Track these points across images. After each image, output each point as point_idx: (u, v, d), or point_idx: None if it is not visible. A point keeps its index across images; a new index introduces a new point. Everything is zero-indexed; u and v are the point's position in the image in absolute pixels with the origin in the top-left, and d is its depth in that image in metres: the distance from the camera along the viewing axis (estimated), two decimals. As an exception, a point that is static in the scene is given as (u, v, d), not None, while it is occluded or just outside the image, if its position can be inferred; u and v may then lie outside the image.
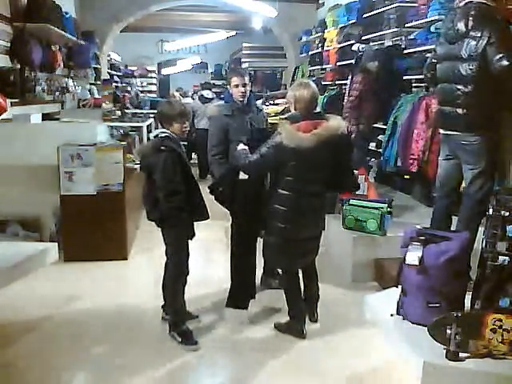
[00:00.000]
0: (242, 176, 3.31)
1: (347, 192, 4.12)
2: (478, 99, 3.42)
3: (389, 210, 4.25)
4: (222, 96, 6.28)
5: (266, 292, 3.95)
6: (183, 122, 3.17)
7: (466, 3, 3.49)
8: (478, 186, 3.52)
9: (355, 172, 3.95)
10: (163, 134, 3.13)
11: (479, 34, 3.33)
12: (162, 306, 3.43)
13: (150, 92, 16.39)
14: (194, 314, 3.47)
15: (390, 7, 6.25)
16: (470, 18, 3.38)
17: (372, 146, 6.14)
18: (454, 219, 3.78)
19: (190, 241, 3.24)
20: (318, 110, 3.28)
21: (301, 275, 3.40)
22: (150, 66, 18.31)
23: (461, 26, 3.44)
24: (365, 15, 7.12)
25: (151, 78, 18.37)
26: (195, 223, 3.24)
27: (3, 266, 2.77)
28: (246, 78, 3.69)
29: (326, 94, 7.59)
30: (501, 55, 3.24)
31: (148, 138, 6.78)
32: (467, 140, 3.50)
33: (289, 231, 3.15)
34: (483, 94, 3.40)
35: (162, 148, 3.04)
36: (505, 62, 3.23)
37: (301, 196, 3.11)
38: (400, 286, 2.77)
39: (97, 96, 9.01)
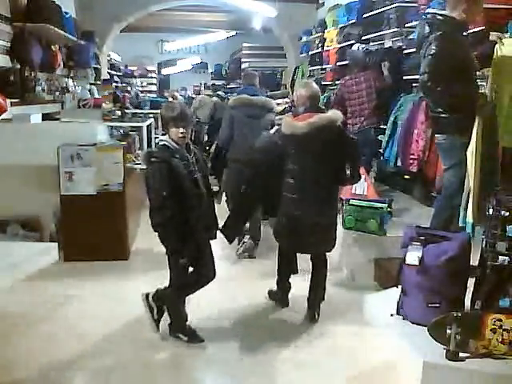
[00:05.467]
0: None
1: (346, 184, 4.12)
2: (441, 101, 3.48)
3: (389, 209, 4.26)
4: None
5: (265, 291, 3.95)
6: (179, 127, 2.95)
7: (426, 13, 3.63)
8: (447, 183, 3.65)
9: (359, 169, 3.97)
10: (162, 142, 3.02)
11: (431, 39, 3.40)
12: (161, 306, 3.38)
13: (150, 92, 16.38)
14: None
15: (390, 7, 6.26)
16: (426, 27, 3.50)
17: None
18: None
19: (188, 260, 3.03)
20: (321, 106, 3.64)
21: (309, 278, 3.49)
22: (150, 66, 18.34)
23: (418, 35, 3.65)
24: (365, 15, 7.13)
25: (151, 78, 18.41)
26: None
27: (3, 265, 2.77)
28: None
29: (325, 94, 7.59)
30: (433, 51, 3.33)
31: (148, 139, 6.80)
32: (438, 139, 3.67)
33: (288, 207, 3.39)
34: (446, 95, 3.41)
35: (152, 159, 2.93)
36: (430, 60, 3.33)
37: (302, 181, 3.33)
38: (400, 286, 2.77)
39: (97, 96, 8.98)
